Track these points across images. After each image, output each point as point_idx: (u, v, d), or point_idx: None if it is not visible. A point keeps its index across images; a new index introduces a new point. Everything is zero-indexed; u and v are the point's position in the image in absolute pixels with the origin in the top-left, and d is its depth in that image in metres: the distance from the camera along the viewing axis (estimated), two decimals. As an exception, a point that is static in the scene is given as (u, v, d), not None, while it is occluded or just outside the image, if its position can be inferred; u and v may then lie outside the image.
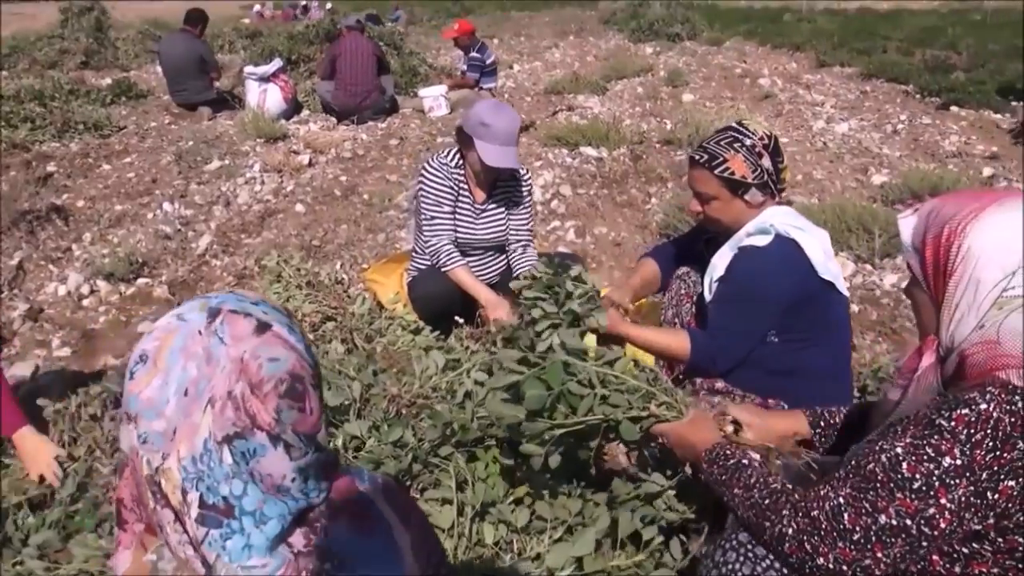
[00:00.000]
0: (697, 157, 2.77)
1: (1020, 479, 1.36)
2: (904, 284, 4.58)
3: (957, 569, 1.46)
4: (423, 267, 3.86)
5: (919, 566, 1.48)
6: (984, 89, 10.04)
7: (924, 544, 1.43)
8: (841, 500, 1.49)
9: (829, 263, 2.78)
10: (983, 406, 1.38)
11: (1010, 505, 1.37)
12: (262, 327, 1.10)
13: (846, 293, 2.89)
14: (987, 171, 7.09)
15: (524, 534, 2.14)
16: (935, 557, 1.47)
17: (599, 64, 14.40)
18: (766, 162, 2.71)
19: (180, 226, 6.03)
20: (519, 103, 10.38)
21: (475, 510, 2.15)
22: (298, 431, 1.08)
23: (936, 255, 1.53)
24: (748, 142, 2.71)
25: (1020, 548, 1.40)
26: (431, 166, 3.74)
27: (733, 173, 2.69)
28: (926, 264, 1.56)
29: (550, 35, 20.82)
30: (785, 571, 1.57)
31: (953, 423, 1.39)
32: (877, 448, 1.49)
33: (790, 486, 1.66)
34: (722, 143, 2.74)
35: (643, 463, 2.37)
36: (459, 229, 3.80)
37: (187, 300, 1.14)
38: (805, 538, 1.51)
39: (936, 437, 1.40)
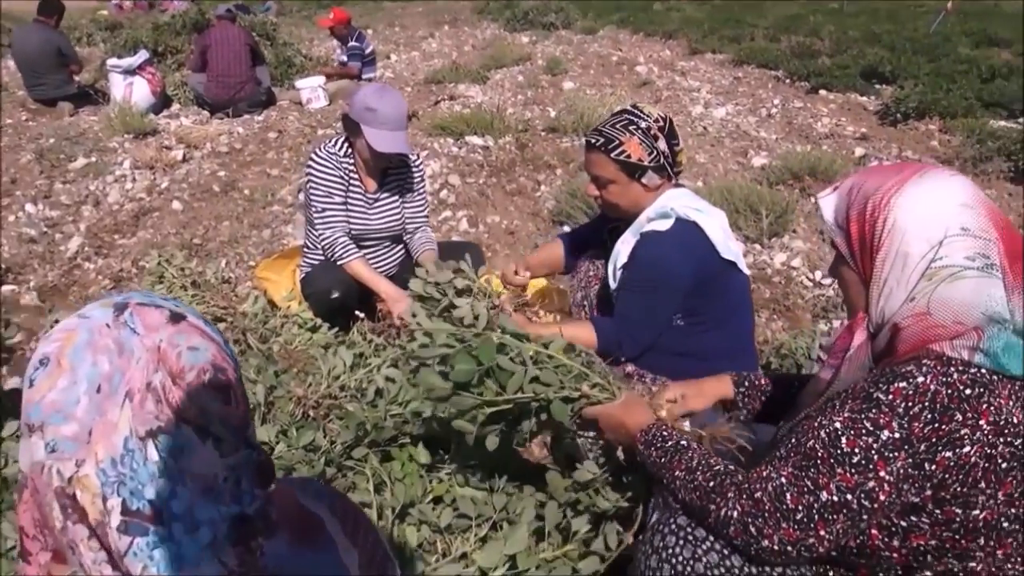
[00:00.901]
0: (593, 141, 2.74)
1: (957, 450, 1.36)
2: (793, 262, 4.80)
3: (896, 542, 1.46)
4: (316, 262, 3.72)
5: (859, 540, 1.48)
6: (849, 73, 10.44)
7: (864, 518, 1.43)
8: (783, 480, 1.47)
9: (729, 243, 2.80)
10: (920, 379, 1.39)
11: (947, 476, 1.38)
12: (176, 317, 1.00)
13: (747, 272, 2.92)
14: (859, 151, 7.36)
15: (448, 534, 2.06)
16: (874, 532, 1.47)
17: (477, 53, 14.33)
18: (662, 144, 2.70)
19: (46, 228, 5.67)
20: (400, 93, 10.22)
21: (395, 512, 2.06)
22: (226, 424, 0.98)
23: (862, 231, 1.54)
24: (644, 125, 2.70)
25: (957, 519, 1.40)
26: (319, 156, 3.59)
27: (629, 156, 2.67)
28: (852, 241, 1.57)
29: (425, 25, 20.62)
30: (726, 552, 1.55)
31: (891, 396, 1.39)
32: (816, 424, 1.48)
33: (732, 466, 1.64)
34: (618, 126, 2.72)
35: (562, 455, 2.32)
36: (352, 221, 3.66)
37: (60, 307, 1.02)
38: (750, 520, 1.49)
39: (874, 411, 1.40)
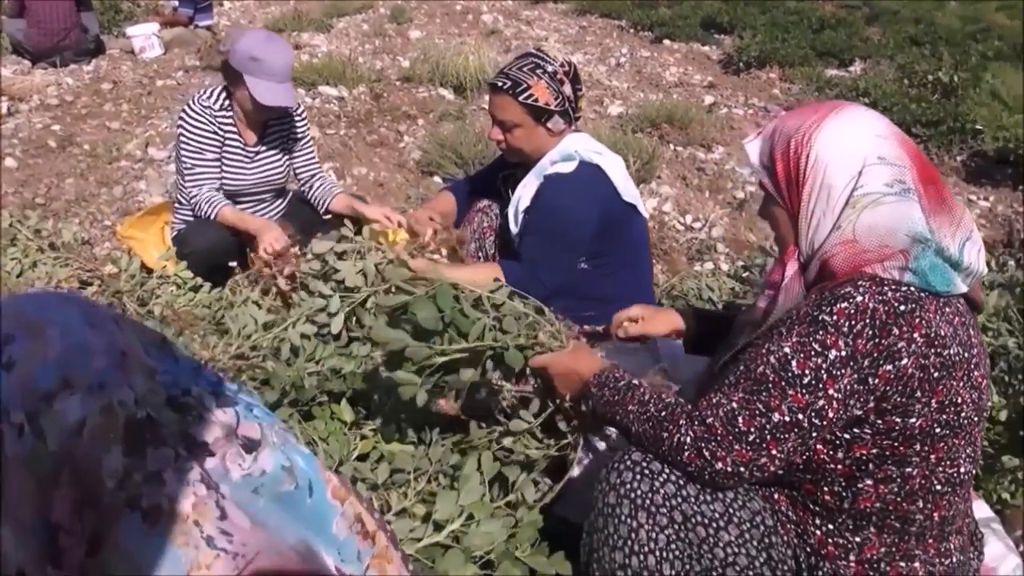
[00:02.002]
0: (500, 83, 2.71)
1: (896, 362, 1.45)
2: (664, 207, 4.93)
3: (840, 454, 1.54)
4: (190, 218, 3.51)
5: (804, 456, 1.55)
6: (690, 23, 10.72)
7: (814, 435, 1.51)
8: (735, 404, 1.53)
9: (629, 186, 2.83)
10: (859, 298, 1.47)
11: (888, 388, 1.47)
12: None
13: (646, 214, 2.96)
14: (708, 99, 7.60)
15: (384, 489, 2.00)
16: (819, 447, 1.55)
17: (317, 3, 13.84)
18: (567, 89, 2.71)
19: None
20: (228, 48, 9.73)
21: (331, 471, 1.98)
22: None
23: (787, 168, 1.61)
24: (550, 68, 2.69)
25: (896, 427, 1.50)
26: (191, 110, 3.37)
27: (537, 100, 2.66)
28: (778, 179, 1.64)
29: (253, -30, 19.70)
30: (682, 482, 1.59)
31: (835, 317, 1.47)
32: (764, 351, 1.54)
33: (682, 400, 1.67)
34: (524, 69, 2.69)
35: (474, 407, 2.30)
36: (229, 175, 3.47)
37: None
38: (703, 445, 1.54)
39: (821, 332, 1.47)
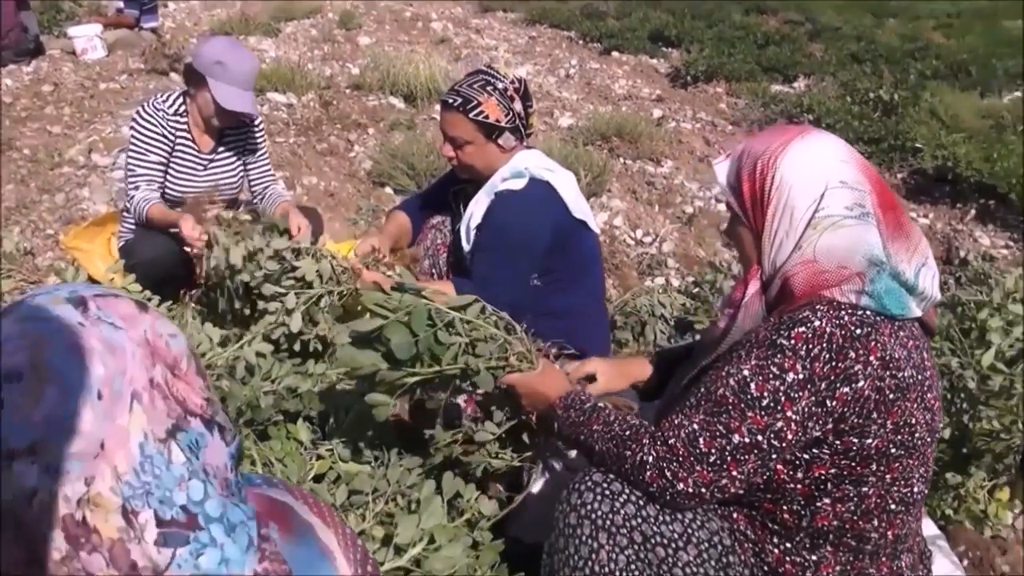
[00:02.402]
0: (451, 101, 2.71)
1: (853, 385, 1.50)
2: (615, 221, 4.97)
3: (799, 474, 1.58)
4: (137, 228, 3.46)
5: (765, 477, 1.58)
6: (638, 36, 10.84)
7: (773, 456, 1.54)
8: (696, 426, 1.56)
9: (580, 202, 2.86)
10: (816, 323, 1.51)
11: (845, 409, 1.51)
12: (140, 304, 0.90)
13: (597, 230, 2.99)
14: (657, 112, 7.68)
15: (343, 511, 1.99)
16: (779, 467, 1.58)
17: (263, 4, 13.67)
18: (518, 106, 2.72)
19: None
20: (185, 45, 9.59)
21: (287, 494, 1.96)
22: (223, 410, 0.93)
23: (752, 189, 1.66)
24: (500, 85, 2.70)
25: (853, 448, 1.54)
26: (144, 112, 3.33)
27: (487, 117, 2.67)
28: (744, 199, 1.69)
29: (198, -28, 19.43)
30: (642, 503, 1.61)
31: (793, 341, 1.51)
32: (724, 373, 1.58)
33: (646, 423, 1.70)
34: (475, 86, 2.71)
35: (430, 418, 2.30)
36: (180, 182, 3.43)
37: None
38: (665, 465, 1.56)
39: (779, 356, 1.51)
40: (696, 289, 3.82)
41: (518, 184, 2.74)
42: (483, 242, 2.79)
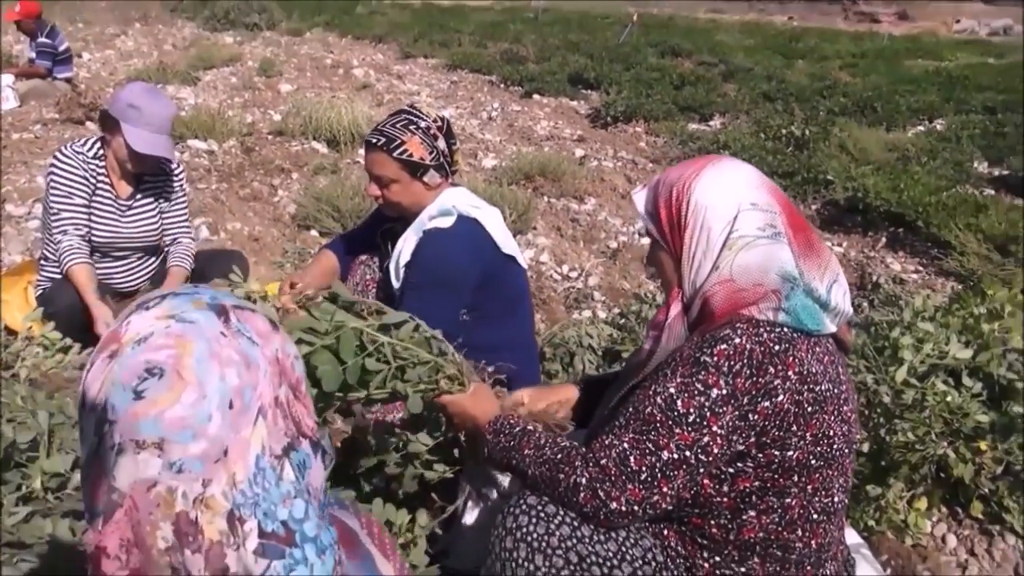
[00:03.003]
0: (375, 140, 2.74)
1: (773, 399, 1.55)
2: (541, 257, 5.03)
3: (725, 488, 1.63)
4: (56, 276, 3.39)
5: (693, 491, 1.62)
6: (558, 79, 11.08)
7: (700, 471, 1.58)
8: (625, 445, 1.59)
9: (508, 239, 2.90)
10: (737, 340, 1.57)
11: (766, 423, 1.56)
12: (272, 323, 0.96)
13: (524, 265, 3.03)
14: (579, 152, 7.84)
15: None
16: (706, 481, 1.62)
17: (181, 53, 13.59)
18: (441, 144, 2.76)
19: None
20: (101, 95, 9.47)
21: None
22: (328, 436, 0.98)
23: (670, 214, 1.73)
24: (423, 124, 2.74)
25: (775, 460, 1.59)
26: (62, 155, 3.28)
27: (411, 155, 2.70)
28: (662, 224, 1.75)
29: (112, 22, 19.24)
30: (576, 523, 1.63)
31: (716, 358, 1.56)
32: (651, 392, 1.62)
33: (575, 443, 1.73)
34: (398, 126, 2.74)
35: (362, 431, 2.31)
36: (99, 229, 3.37)
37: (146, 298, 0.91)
38: (597, 486, 1.59)
39: (703, 373, 1.56)
40: (623, 320, 3.89)
41: (446, 222, 2.77)
42: (412, 280, 2.80)
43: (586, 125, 9.18)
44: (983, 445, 2.57)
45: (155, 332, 0.88)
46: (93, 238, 3.38)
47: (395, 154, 2.70)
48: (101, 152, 3.34)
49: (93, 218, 3.36)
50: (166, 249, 3.61)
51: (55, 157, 3.29)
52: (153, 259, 3.63)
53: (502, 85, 11.55)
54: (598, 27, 21.73)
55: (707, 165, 1.73)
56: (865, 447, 2.63)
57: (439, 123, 2.78)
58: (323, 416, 1.87)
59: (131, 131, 3.17)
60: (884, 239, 5.89)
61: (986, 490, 2.66)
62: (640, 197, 1.84)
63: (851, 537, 2.20)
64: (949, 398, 2.60)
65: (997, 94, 11.74)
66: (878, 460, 2.65)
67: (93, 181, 3.31)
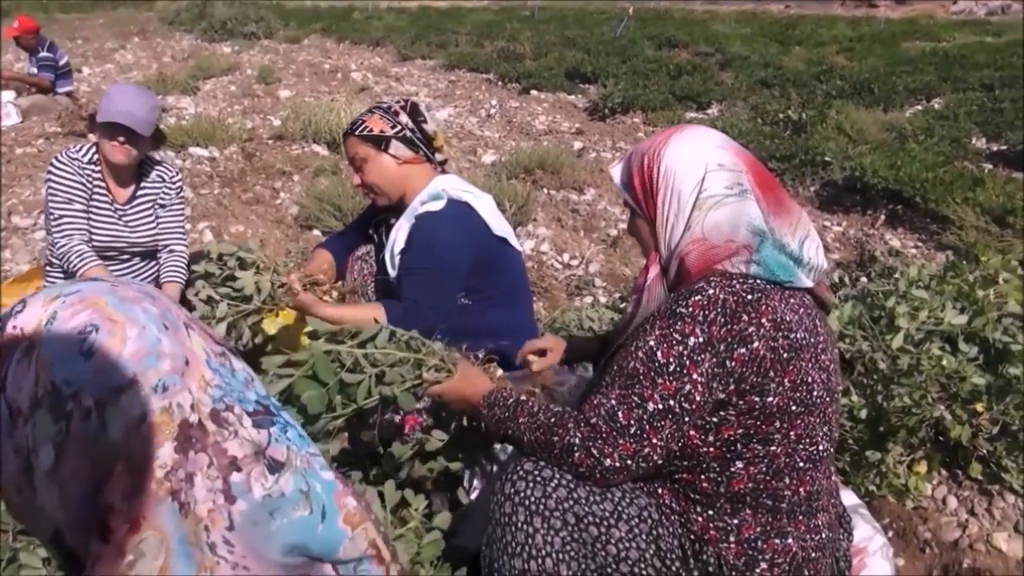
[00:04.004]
0: (346, 129, 2.92)
1: (748, 346, 1.61)
2: (541, 247, 5.08)
3: (711, 437, 1.67)
4: (62, 279, 3.44)
5: (681, 443, 1.67)
6: (555, 74, 11.12)
7: (686, 420, 1.63)
8: (613, 402, 1.65)
9: (500, 221, 2.95)
10: (710, 291, 1.63)
11: (744, 369, 1.62)
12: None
13: (519, 247, 3.08)
14: (577, 145, 7.88)
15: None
16: (692, 432, 1.67)
17: (180, 65, 13.68)
18: (404, 119, 2.87)
19: None
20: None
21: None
22: None
23: (643, 181, 1.81)
24: (385, 105, 2.93)
25: (756, 407, 1.64)
26: (58, 161, 3.33)
27: (371, 130, 2.84)
28: (636, 192, 1.83)
29: (111, 37, 19.35)
30: (572, 485, 1.68)
31: (690, 308, 1.62)
32: (632, 348, 1.68)
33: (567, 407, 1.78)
34: (364, 112, 2.93)
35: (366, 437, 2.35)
36: (98, 233, 3.41)
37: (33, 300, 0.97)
38: (591, 444, 1.64)
39: (679, 323, 1.62)
40: (623, 304, 3.93)
41: (437, 205, 2.83)
42: (408, 266, 2.85)
43: (584, 118, 9.22)
44: (980, 407, 2.60)
45: (56, 310, 0.91)
46: (92, 241, 3.43)
47: (358, 132, 2.85)
48: (96, 157, 3.39)
49: (91, 222, 3.41)
50: (160, 255, 3.63)
51: (52, 164, 3.34)
52: (153, 263, 3.66)
53: (500, 83, 11.60)
54: (594, 22, 21.78)
55: (674, 133, 1.81)
56: (863, 413, 2.66)
57: (402, 103, 2.93)
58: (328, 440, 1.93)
59: (101, 112, 3.25)
60: (883, 216, 5.91)
61: (984, 451, 2.69)
62: (616, 170, 1.91)
63: (850, 498, 2.25)
64: (945, 362, 2.63)
65: (995, 71, 11.74)
66: (876, 426, 2.68)
67: (89, 186, 3.36)
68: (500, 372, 2.17)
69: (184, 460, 0.90)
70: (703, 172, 1.72)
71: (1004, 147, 7.61)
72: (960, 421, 2.60)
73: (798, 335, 1.65)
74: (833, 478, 1.87)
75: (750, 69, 12.25)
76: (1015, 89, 10.05)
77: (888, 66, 12.16)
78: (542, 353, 2.38)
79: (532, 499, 1.68)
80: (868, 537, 2.06)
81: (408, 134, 2.84)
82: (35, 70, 9.33)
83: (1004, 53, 13.60)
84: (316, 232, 5.50)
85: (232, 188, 6.47)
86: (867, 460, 2.65)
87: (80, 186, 3.33)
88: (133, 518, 0.90)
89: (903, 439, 2.64)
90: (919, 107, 9.79)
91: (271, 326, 2.69)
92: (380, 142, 2.82)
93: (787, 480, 1.69)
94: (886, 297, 3.01)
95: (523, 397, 1.86)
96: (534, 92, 10.57)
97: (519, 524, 1.68)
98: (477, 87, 11.41)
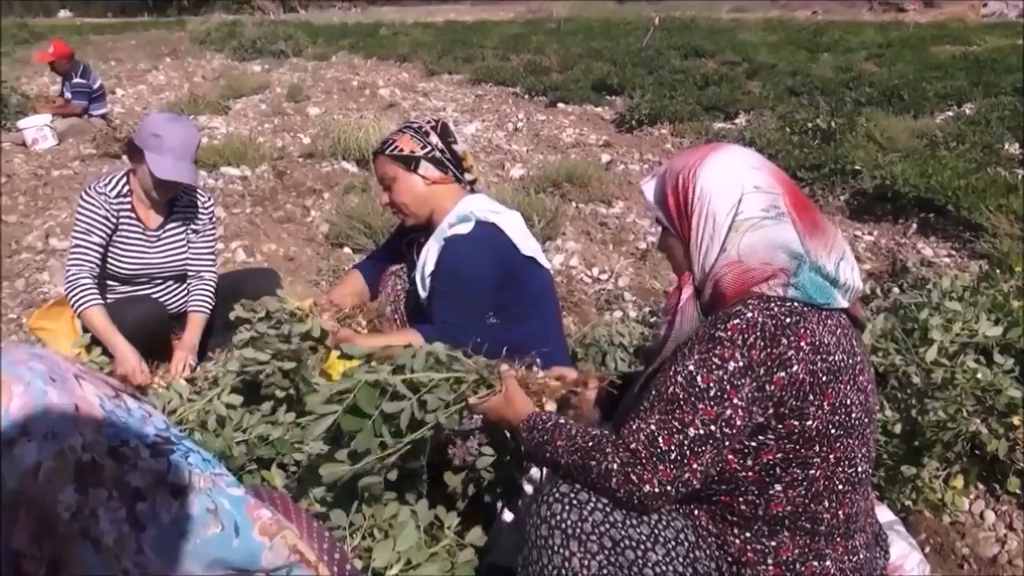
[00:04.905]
0: (375, 148, 2.96)
1: (788, 369, 1.61)
2: (571, 262, 5.09)
3: (749, 462, 1.68)
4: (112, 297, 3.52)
5: (719, 467, 1.67)
6: (581, 87, 11.14)
7: (726, 444, 1.63)
8: (653, 427, 1.64)
9: (528, 240, 2.97)
10: (749, 314, 1.63)
11: (783, 393, 1.62)
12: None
13: (548, 266, 3.09)
14: (605, 157, 7.89)
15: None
16: (730, 457, 1.67)
17: (211, 84, 13.88)
18: (434, 139, 2.91)
19: None
20: (136, 129, 9.68)
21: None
22: None
23: (677, 202, 1.81)
24: (415, 125, 2.96)
25: (796, 430, 1.64)
26: (87, 195, 3.38)
27: (402, 150, 2.88)
28: (670, 212, 1.83)
29: (143, 58, 19.66)
30: (608, 509, 1.68)
31: (729, 332, 1.62)
32: (671, 373, 1.68)
33: (606, 431, 1.78)
34: (394, 131, 2.97)
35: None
36: (127, 259, 3.47)
37: None
38: (629, 470, 1.64)
39: (719, 348, 1.62)
40: (653, 318, 3.93)
41: (465, 228, 2.86)
42: (438, 288, 2.88)
43: (611, 130, 9.23)
44: (1016, 420, 2.57)
45: None
46: (121, 269, 3.47)
47: (388, 152, 2.89)
48: (126, 188, 3.43)
49: (122, 250, 3.44)
50: (189, 281, 3.67)
51: (80, 197, 3.39)
52: (183, 285, 3.71)
53: (526, 96, 11.65)
54: (620, 33, 21.79)
55: (710, 152, 1.81)
56: (897, 428, 2.65)
57: (432, 123, 2.97)
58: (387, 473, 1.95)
59: (153, 159, 3.25)
60: (915, 225, 5.86)
61: (1022, 465, 2.66)
62: (649, 187, 1.91)
63: (885, 515, 2.23)
64: (980, 375, 2.61)
65: (1027, 75, 11.60)
66: (911, 440, 2.66)
67: (115, 219, 3.40)
68: (541, 373, 2.17)
69: (86, 499, 0.94)
70: (740, 194, 1.72)
71: (1037, 152, 7.51)
72: (996, 435, 2.58)
73: (836, 357, 1.65)
74: (871, 497, 1.87)
75: (778, 78, 12.21)
76: (1048, 92, 9.93)
77: (918, 72, 12.06)
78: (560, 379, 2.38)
79: (568, 522, 1.68)
80: (904, 555, 2.05)
81: (438, 154, 2.88)
82: (69, 95, 9.50)
83: (1037, 56, 13.44)
84: (347, 249, 5.55)
85: (264, 207, 6.54)
86: (902, 475, 2.63)
87: (104, 220, 3.37)
88: (49, 561, 0.94)
89: (939, 453, 2.62)
90: (950, 113, 9.69)
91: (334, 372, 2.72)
92: (410, 162, 2.86)
93: (826, 503, 1.68)
94: (919, 309, 3.00)
95: (562, 420, 1.86)
96: (561, 105, 10.60)
97: (555, 547, 1.68)
98: (504, 101, 11.47)
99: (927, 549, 2.52)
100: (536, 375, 2.13)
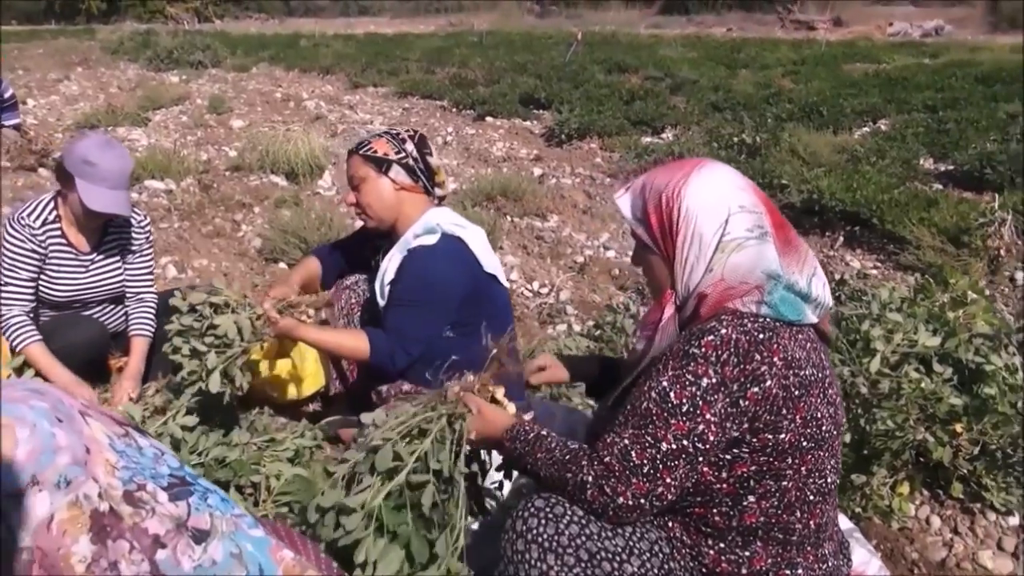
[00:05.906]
0: (350, 148, 2.97)
1: (761, 384, 1.63)
2: (511, 275, 5.09)
3: (724, 474, 1.70)
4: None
5: (694, 480, 1.69)
6: (509, 100, 11.20)
7: (699, 459, 1.65)
8: (626, 441, 1.66)
9: (490, 257, 2.98)
10: (723, 331, 1.65)
11: (757, 408, 1.64)
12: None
13: (507, 284, 3.10)
14: (537, 171, 7.93)
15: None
16: (705, 469, 1.69)
17: (128, 95, 13.50)
18: (410, 147, 2.93)
19: None
20: (52, 141, 9.35)
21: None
22: None
23: (660, 220, 1.80)
24: (394, 132, 2.99)
25: (769, 444, 1.67)
26: (11, 228, 3.20)
27: (376, 152, 2.89)
28: (653, 230, 1.83)
29: (53, 67, 19.01)
30: (584, 522, 1.69)
31: (703, 349, 1.64)
32: (645, 388, 1.69)
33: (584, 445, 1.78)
34: (373, 135, 2.98)
35: None
36: (60, 286, 3.30)
37: None
38: (603, 483, 1.66)
39: (692, 364, 1.64)
40: (598, 332, 3.96)
41: (430, 239, 2.85)
42: (397, 296, 2.86)
43: (541, 144, 9.29)
44: (959, 427, 2.66)
45: None
46: (54, 295, 3.29)
47: (362, 152, 2.91)
48: (53, 215, 3.26)
49: (54, 277, 3.25)
50: (127, 303, 3.54)
51: (5, 228, 3.22)
52: (120, 307, 3.56)
53: (454, 109, 11.66)
54: (542, 47, 21.99)
55: (693, 170, 1.80)
56: (847, 437, 2.71)
57: (411, 133, 3.00)
58: None
59: (86, 188, 3.07)
60: (841, 238, 6.04)
61: (964, 471, 2.76)
62: (624, 201, 1.90)
63: (844, 523, 2.28)
64: (923, 384, 2.69)
65: (936, 92, 12.09)
66: (860, 449, 2.73)
67: (43, 250, 3.23)
68: (501, 391, 2.15)
69: (104, 550, 0.88)
70: (726, 215, 1.73)
71: (951, 167, 7.82)
72: (941, 442, 2.66)
73: (807, 372, 1.69)
74: (836, 506, 1.91)
75: (700, 93, 12.46)
76: (956, 110, 10.37)
77: (834, 88, 12.45)
78: (540, 370, 2.43)
79: (544, 536, 1.68)
80: (866, 561, 2.10)
81: (411, 162, 2.91)
82: (-20, 108, 9.12)
83: (942, 75, 14.02)
84: (282, 264, 5.46)
85: (192, 221, 6.39)
86: (852, 483, 2.70)
87: (30, 253, 3.20)
88: None
89: (887, 462, 2.70)
90: (866, 129, 10.03)
91: (264, 367, 2.67)
92: (382, 164, 2.87)
93: (798, 514, 1.72)
94: (860, 320, 3.08)
95: (544, 432, 1.87)
96: (489, 119, 10.63)
97: (532, 562, 1.68)
98: (432, 114, 11.45)
99: (879, 555, 2.58)
100: (469, 379, 2.12)
